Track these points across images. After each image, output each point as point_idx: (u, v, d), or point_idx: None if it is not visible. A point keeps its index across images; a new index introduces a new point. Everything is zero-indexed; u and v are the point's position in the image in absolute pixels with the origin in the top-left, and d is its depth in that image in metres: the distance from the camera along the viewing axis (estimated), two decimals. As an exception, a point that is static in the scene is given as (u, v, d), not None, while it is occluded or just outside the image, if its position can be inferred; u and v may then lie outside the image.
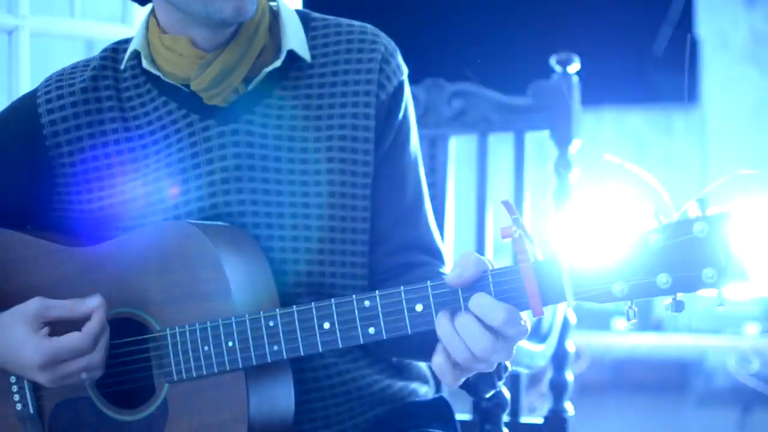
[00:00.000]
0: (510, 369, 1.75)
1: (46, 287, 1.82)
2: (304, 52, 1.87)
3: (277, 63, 1.83)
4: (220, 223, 1.82)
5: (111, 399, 1.78)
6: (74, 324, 1.72)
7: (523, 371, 2.36)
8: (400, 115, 1.90)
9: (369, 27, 1.93)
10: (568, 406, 2.48)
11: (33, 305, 1.73)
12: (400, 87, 1.90)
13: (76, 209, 1.90)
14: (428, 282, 1.57)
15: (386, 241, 1.89)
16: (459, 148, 2.61)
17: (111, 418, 1.78)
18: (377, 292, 1.60)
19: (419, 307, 1.57)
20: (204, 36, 1.82)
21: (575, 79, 2.49)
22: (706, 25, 6.76)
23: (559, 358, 2.45)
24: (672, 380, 6.05)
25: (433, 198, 2.04)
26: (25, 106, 1.93)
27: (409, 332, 1.59)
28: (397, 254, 1.89)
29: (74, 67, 1.95)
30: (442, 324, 1.54)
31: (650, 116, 7.08)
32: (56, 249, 1.84)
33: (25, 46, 2.81)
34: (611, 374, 5.97)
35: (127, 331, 1.77)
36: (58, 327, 1.73)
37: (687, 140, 6.99)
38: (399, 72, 1.91)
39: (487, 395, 1.78)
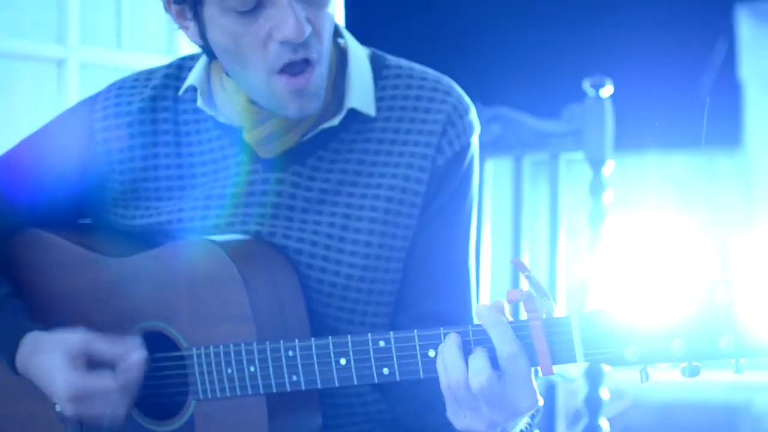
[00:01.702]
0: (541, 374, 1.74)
1: (84, 294, 1.85)
2: (368, 107, 1.82)
3: (335, 122, 1.79)
4: (252, 238, 1.81)
5: (144, 408, 1.80)
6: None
7: (557, 380, 2.37)
8: (456, 181, 1.83)
9: (444, 81, 1.86)
10: (604, 424, 2.48)
11: (76, 339, 1.75)
12: (462, 151, 1.83)
13: (120, 222, 1.92)
14: (441, 329, 1.56)
15: (411, 307, 1.84)
16: (495, 170, 2.65)
17: (142, 426, 1.80)
18: (392, 333, 1.61)
19: (431, 353, 1.58)
20: None
21: (608, 102, 2.52)
22: (749, 68, 6.75)
23: (594, 374, 2.46)
24: (720, 427, 5.97)
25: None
26: (83, 117, 1.93)
27: (421, 376, 1.59)
28: (422, 322, 1.81)
29: (136, 79, 1.94)
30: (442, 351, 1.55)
31: (694, 160, 7.06)
32: (93, 257, 1.86)
33: (73, 77, 2.88)
34: (654, 418, 5.90)
35: (156, 345, 1.79)
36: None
37: (731, 184, 6.96)
38: (465, 135, 1.84)
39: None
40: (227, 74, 1.79)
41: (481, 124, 2.59)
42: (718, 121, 6.64)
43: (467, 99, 1.87)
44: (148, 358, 1.74)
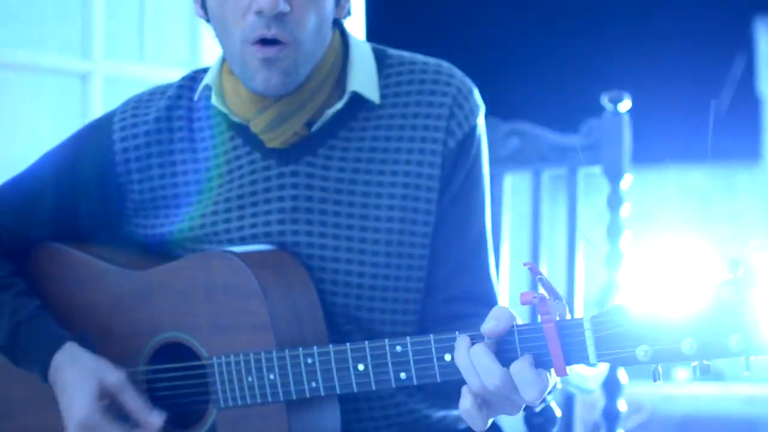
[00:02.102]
0: (560, 386, 1.75)
1: (106, 306, 1.88)
2: (372, 93, 1.86)
3: (339, 105, 1.83)
4: (270, 248, 1.84)
5: (167, 416, 1.81)
6: None
7: (575, 392, 2.38)
8: (469, 162, 1.88)
9: (444, 66, 1.90)
10: (622, 436, 2.49)
11: (114, 379, 1.78)
12: (471, 131, 1.87)
13: (140, 233, 1.95)
14: (457, 333, 1.57)
15: (441, 289, 1.88)
16: (514, 184, 2.67)
17: (166, 434, 1.83)
18: (408, 338, 1.62)
19: (448, 357, 1.59)
20: None
21: (626, 116, 2.54)
22: (768, 83, 6.75)
23: (611, 386, 2.47)
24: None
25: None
26: (101, 131, 1.97)
27: (438, 380, 1.60)
28: (450, 304, 1.88)
29: (152, 93, 1.99)
30: (458, 348, 1.53)
31: (713, 174, 7.05)
32: (114, 270, 1.89)
33: (97, 91, 2.90)
34: (672, 430, 5.88)
35: (177, 355, 1.82)
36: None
37: (750, 198, 6.95)
38: (472, 115, 1.88)
39: (537, 409, 1.76)
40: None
41: (500, 138, 2.64)
42: (738, 135, 6.63)
43: (469, 81, 1.91)
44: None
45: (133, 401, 1.77)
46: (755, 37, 6.71)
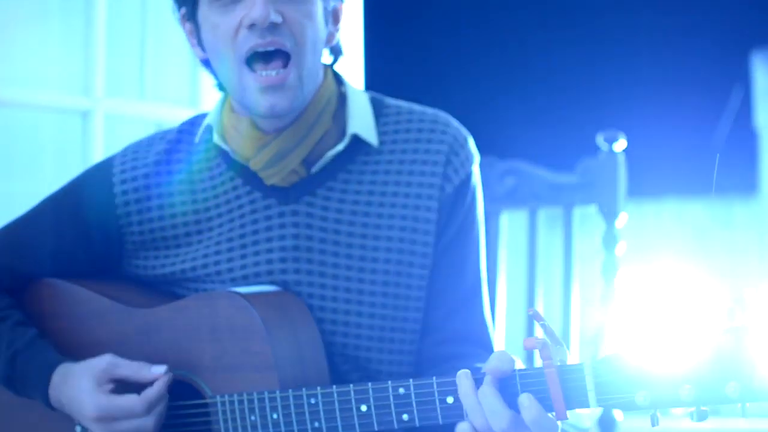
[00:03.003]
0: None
1: (110, 343, 1.89)
2: (370, 136, 1.89)
3: (340, 147, 1.86)
4: (274, 289, 1.86)
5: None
6: (139, 385, 1.79)
7: (570, 431, 2.38)
8: (465, 207, 1.91)
9: (441, 115, 1.94)
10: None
11: (103, 361, 1.80)
12: (467, 178, 1.91)
13: (141, 273, 1.97)
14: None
15: (437, 331, 1.90)
16: (510, 222, 2.68)
17: (169, 471, 1.83)
18: (411, 380, 1.64)
19: (450, 399, 1.61)
20: (266, 120, 1.85)
21: (621, 156, 2.56)
22: (765, 115, 6.75)
23: (606, 424, 2.47)
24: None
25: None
26: (102, 174, 1.99)
27: (440, 422, 1.62)
28: (446, 345, 1.90)
29: (152, 138, 2.01)
30: (464, 386, 1.56)
31: (710, 207, 7.06)
32: (120, 308, 1.90)
33: (98, 128, 2.91)
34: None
35: (181, 393, 1.83)
36: (124, 384, 1.80)
37: (747, 231, 6.95)
38: (468, 163, 1.91)
39: None
40: (219, 84, 1.89)
41: (496, 177, 2.66)
42: (734, 168, 6.65)
43: (465, 131, 1.94)
44: (170, 375, 1.79)
45: (129, 368, 1.79)
46: (752, 70, 6.73)
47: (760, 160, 6.89)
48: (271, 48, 1.78)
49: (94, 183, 1.99)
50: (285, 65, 1.79)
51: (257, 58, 1.79)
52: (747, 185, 6.82)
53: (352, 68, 3.10)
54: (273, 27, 1.77)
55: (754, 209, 7.00)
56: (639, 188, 2.69)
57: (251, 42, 1.77)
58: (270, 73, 1.79)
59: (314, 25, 1.82)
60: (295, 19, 1.79)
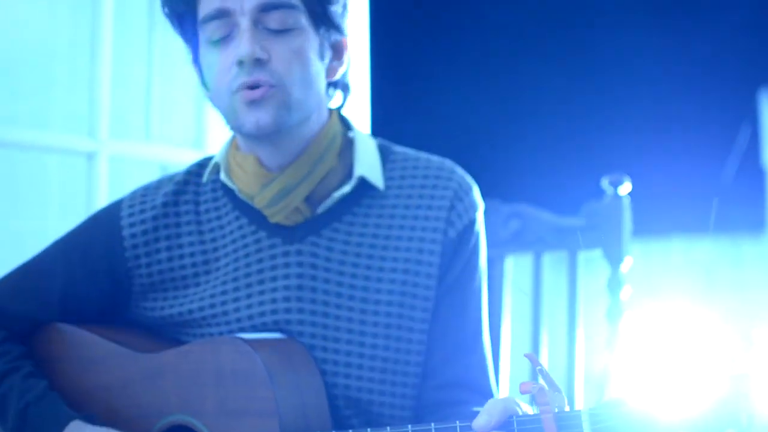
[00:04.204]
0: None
1: (116, 388, 1.90)
2: (377, 179, 1.91)
3: (347, 189, 1.89)
4: (277, 336, 1.87)
5: None
6: None
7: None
8: (467, 253, 1.93)
9: (447, 162, 1.97)
10: None
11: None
12: (470, 224, 1.93)
13: (149, 315, 1.98)
14: (457, 422, 1.61)
15: (436, 375, 1.92)
16: (515, 266, 2.68)
17: None
18: (410, 426, 1.65)
19: None
20: (268, 155, 1.89)
21: (626, 199, 2.55)
22: (772, 155, 6.76)
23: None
24: None
25: (489, 315, 2.06)
26: (110, 217, 2.01)
27: None
28: (445, 389, 1.92)
29: (161, 180, 2.04)
30: None
31: (718, 246, 7.05)
32: (124, 353, 1.92)
33: (103, 170, 2.92)
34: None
35: None
36: None
37: (756, 270, 6.94)
38: (471, 209, 1.94)
39: None
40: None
41: (501, 220, 2.65)
42: (742, 206, 6.64)
43: (470, 179, 1.98)
44: None
45: None
46: (760, 108, 6.74)
47: (768, 199, 6.89)
48: (256, 85, 1.83)
49: (102, 225, 2.02)
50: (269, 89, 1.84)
51: (245, 86, 1.84)
52: (755, 224, 6.82)
53: (359, 112, 3.10)
54: (259, 63, 1.82)
55: (761, 248, 7.00)
56: (646, 227, 2.68)
57: (240, 79, 1.83)
58: (253, 92, 1.83)
59: (304, 60, 1.86)
60: (281, 56, 1.84)
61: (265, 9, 1.84)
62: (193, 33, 1.90)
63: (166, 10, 1.93)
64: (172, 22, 1.94)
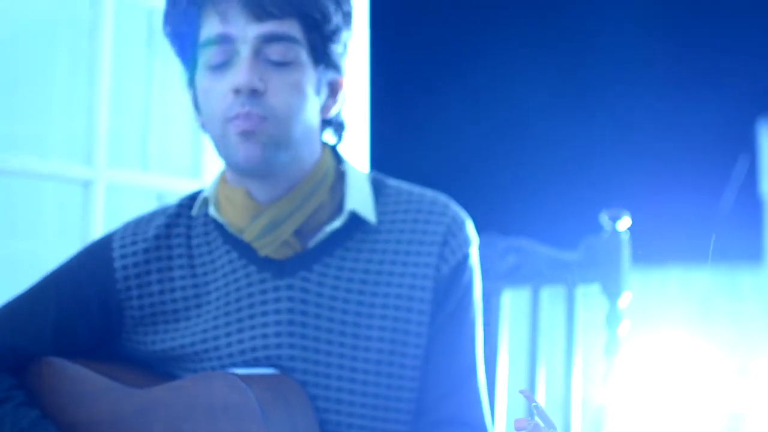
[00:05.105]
0: None
1: (108, 423, 1.89)
2: (368, 214, 1.91)
3: (337, 223, 1.88)
4: (271, 371, 1.86)
5: None
6: None
7: None
8: (461, 289, 1.92)
9: (441, 197, 1.96)
10: None
11: None
12: (464, 259, 1.92)
13: (141, 349, 1.97)
14: None
15: (430, 412, 1.91)
16: (512, 300, 2.67)
17: None
18: None
19: None
20: (258, 188, 1.88)
21: (625, 234, 2.55)
22: (770, 185, 6.78)
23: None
24: None
25: (485, 350, 2.06)
26: (102, 250, 2.00)
27: None
28: (439, 427, 1.90)
29: (152, 214, 2.03)
30: None
31: (716, 276, 7.06)
32: (118, 387, 1.90)
33: (100, 198, 2.91)
34: None
35: None
36: None
37: (753, 300, 6.95)
38: (465, 245, 1.93)
39: None
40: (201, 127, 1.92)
41: (498, 254, 2.64)
42: (740, 236, 6.65)
43: (464, 214, 1.96)
44: None
45: None
46: (757, 139, 6.75)
47: (765, 229, 6.89)
48: (245, 112, 1.83)
49: (94, 258, 2.01)
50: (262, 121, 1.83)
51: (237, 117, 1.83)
52: (753, 254, 6.82)
53: (358, 146, 3.10)
54: (255, 94, 1.81)
55: (760, 278, 7.00)
56: (644, 257, 2.68)
57: (235, 109, 1.82)
58: (245, 122, 1.82)
59: (300, 95, 1.85)
60: (278, 89, 1.83)
61: (267, 40, 1.83)
62: (192, 55, 1.90)
63: (168, 29, 1.92)
64: (173, 43, 1.93)
